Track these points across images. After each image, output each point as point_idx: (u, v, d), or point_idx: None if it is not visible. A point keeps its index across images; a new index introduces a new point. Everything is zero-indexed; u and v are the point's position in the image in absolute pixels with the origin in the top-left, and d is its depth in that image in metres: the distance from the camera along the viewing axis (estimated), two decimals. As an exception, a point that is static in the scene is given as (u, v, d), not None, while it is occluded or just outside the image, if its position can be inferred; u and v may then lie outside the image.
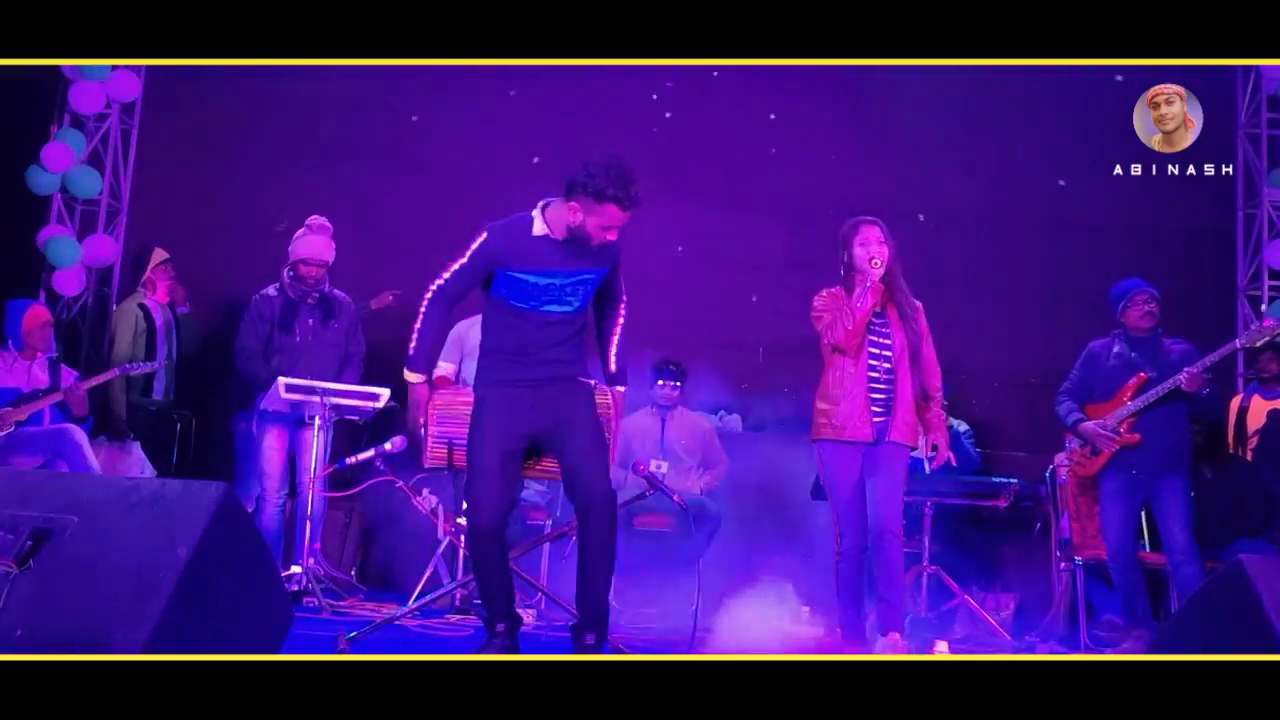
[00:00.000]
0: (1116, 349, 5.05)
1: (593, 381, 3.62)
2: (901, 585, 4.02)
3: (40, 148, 6.47)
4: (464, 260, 3.51)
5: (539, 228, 3.47)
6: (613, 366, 3.77)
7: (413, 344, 3.57)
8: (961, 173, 7.01)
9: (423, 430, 3.68)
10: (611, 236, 3.43)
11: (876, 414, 4.01)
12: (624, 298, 3.75)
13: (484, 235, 3.50)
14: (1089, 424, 4.99)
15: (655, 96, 6.88)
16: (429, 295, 3.56)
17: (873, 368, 4.03)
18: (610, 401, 3.77)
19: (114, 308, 6.57)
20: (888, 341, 4.06)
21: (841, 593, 4.07)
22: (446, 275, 3.54)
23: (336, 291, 5.68)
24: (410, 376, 3.58)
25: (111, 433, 5.85)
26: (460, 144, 6.79)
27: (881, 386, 4.03)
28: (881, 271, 3.96)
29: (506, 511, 3.55)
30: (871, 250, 3.99)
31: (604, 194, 3.32)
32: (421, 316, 3.57)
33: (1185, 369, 4.74)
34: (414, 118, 6.98)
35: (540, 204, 3.52)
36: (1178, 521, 4.79)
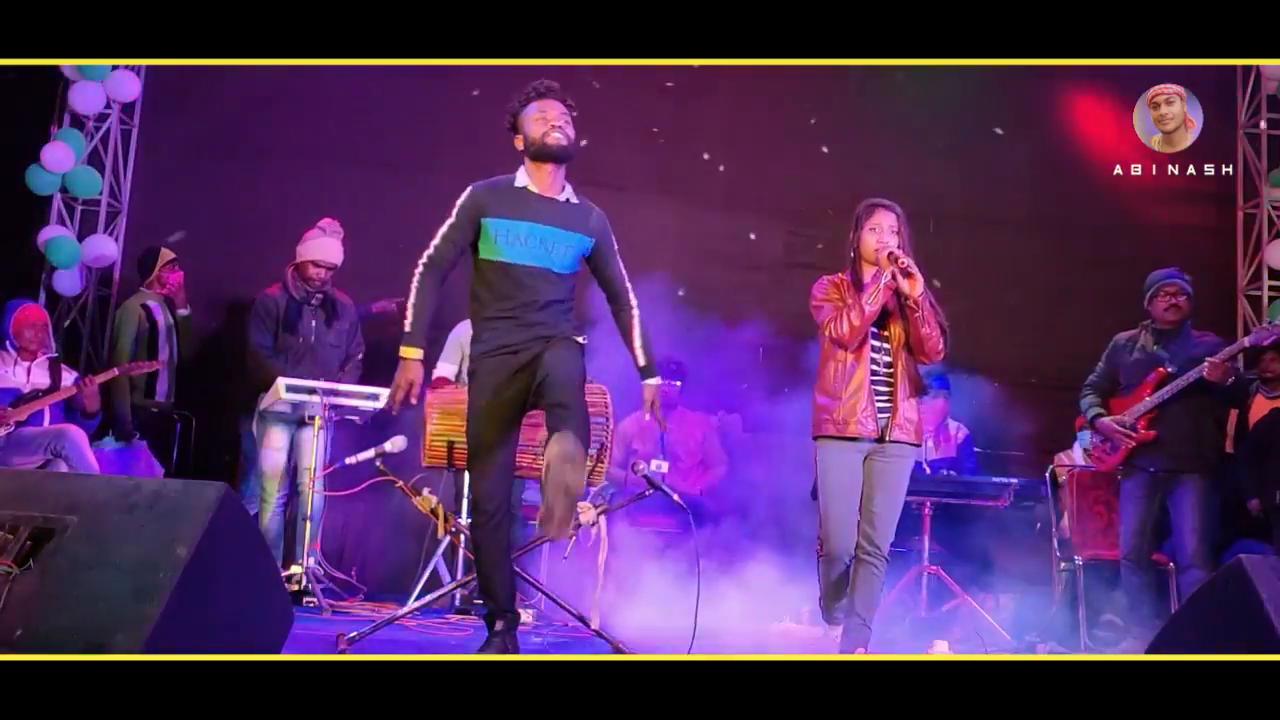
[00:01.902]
0: (1141, 342, 4.99)
1: (580, 338, 3.57)
2: (877, 606, 3.85)
3: (40, 148, 6.47)
4: (451, 220, 3.59)
5: (520, 180, 3.62)
6: (640, 361, 3.77)
7: (407, 319, 3.55)
8: (961, 173, 7.01)
9: (393, 409, 3.60)
10: (556, 132, 3.53)
11: (881, 408, 3.79)
12: (629, 289, 3.75)
13: (469, 190, 3.62)
14: (1107, 420, 4.95)
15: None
16: (419, 268, 3.57)
17: (874, 360, 3.81)
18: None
19: (114, 308, 6.56)
20: (886, 333, 3.83)
21: (825, 586, 3.93)
22: (435, 242, 3.59)
23: (339, 293, 5.68)
24: (405, 352, 3.51)
25: (117, 434, 5.86)
26: (461, 144, 6.78)
27: (883, 379, 3.82)
28: (895, 269, 3.69)
29: (506, 489, 3.56)
30: (883, 239, 3.76)
31: (524, 100, 3.59)
32: (413, 290, 3.56)
33: (1207, 359, 4.67)
34: (413, 118, 6.97)
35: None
36: (1190, 524, 4.72)
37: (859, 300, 3.75)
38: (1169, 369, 4.83)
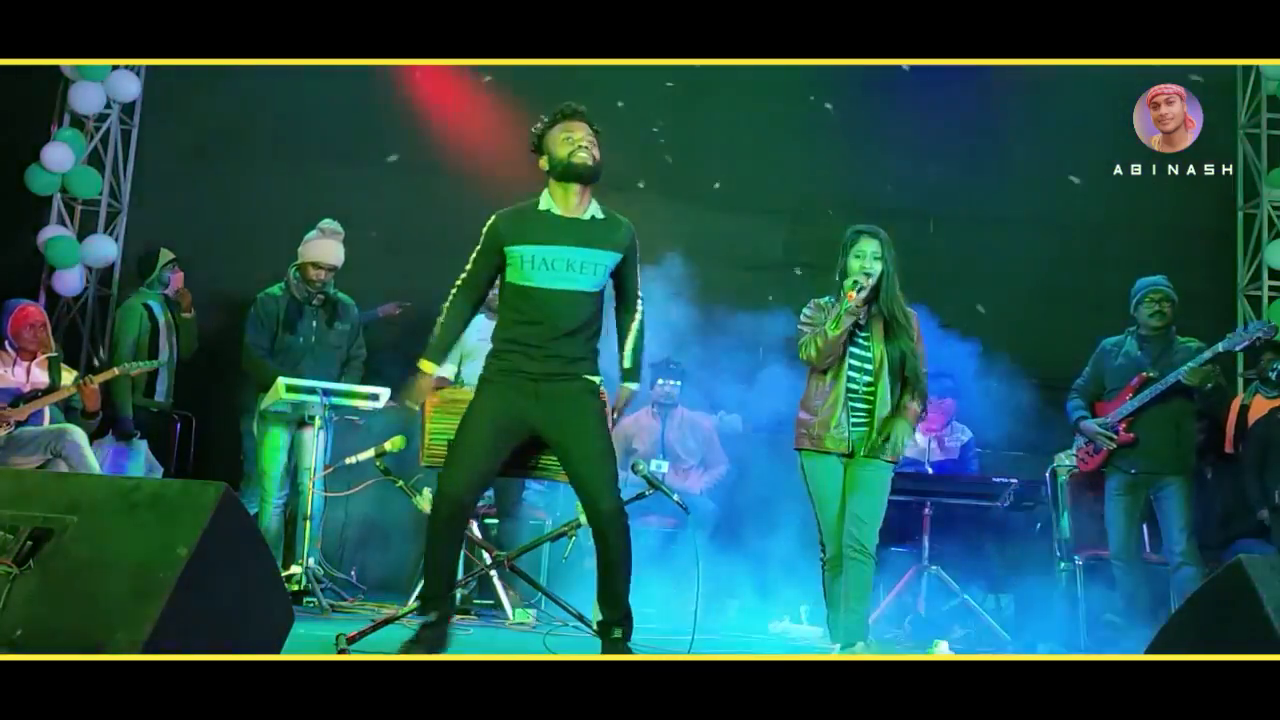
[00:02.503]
0: (1125, 347, 5.10)
1: (597, 379, 3.62)
2: (869, 602, 3.93)
3: (40, 148, 6.47)
4: (478, 246, 3.62)
5: (544, 204, 3.60)
6: (626, 364, 3.80)
7: (433, 335, 3.66)
8: (961, 173, 7.01)
9: (406, 405, 3.73)
10: (583, 152, 3.52)
11: (855, 425, 3.88)
12: (640, 298, 3.79)
13: (492, 219, 3.62)
14: (1089, 422, 5.07)
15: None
16: (452, 291, 3.66)
17: (851, 379, 3.89)
18: (608, 400, 3.78)
19: (114, 307, 6.56)
20: (868, 354, 3.91)
21: (830, 595, 4.03)
22: (467, 266, 3.66)
23: (340, 294, 5.68)
24: (421, 364, 3.64)
25: (117, 434, 5.85)
26: (462, 144, 6.78)
27: (860, 399, 3.90)
28: (862, 297, 3.82)
29: (477, 489, 3.58)
30: (865, 264, 3.85)
31: (550, 122, 3.57)
32: (444, 310, 3.66)
33: (1187, 365, 4.80)
34: (408, 112, 6.96)
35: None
36: (1177, 523, 4.85)
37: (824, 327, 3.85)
38: (1150, 373, 4.95)
